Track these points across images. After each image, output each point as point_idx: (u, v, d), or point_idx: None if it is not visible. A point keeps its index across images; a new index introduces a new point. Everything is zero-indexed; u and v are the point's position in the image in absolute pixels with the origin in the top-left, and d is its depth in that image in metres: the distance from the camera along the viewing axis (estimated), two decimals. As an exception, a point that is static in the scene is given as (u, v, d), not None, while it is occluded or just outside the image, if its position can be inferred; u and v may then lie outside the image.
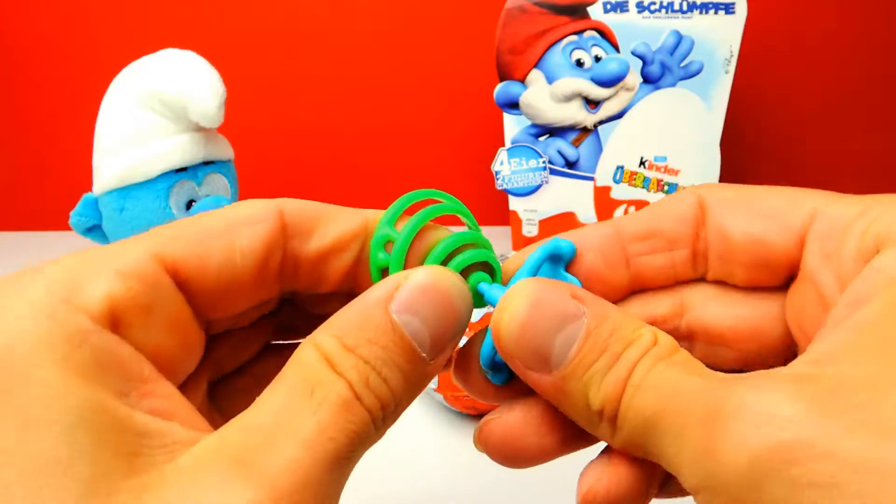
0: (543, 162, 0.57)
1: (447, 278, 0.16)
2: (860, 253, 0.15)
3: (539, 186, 0.58)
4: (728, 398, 0.13)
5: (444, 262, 0.17)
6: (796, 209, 0.17)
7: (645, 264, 0.18)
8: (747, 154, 0.73)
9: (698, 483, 0.13)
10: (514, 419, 0.17)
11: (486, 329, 0.17)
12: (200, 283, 0.16)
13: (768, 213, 0.17)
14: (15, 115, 0.76)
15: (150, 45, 0.46)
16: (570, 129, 0.56)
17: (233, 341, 0.19)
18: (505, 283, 0.18)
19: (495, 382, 0.18)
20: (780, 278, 0.17)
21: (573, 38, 0.54)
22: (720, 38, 0.53)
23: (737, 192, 0.18)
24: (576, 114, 0.55)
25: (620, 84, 0.54)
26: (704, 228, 0.18)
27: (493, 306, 0.17)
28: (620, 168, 0.57)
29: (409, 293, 0.15)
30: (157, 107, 0.43)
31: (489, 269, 0.18)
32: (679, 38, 0.53)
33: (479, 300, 0.18)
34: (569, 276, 0.18)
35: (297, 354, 0.15)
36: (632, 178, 0.57)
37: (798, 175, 0.74)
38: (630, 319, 0.15)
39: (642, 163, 0.56)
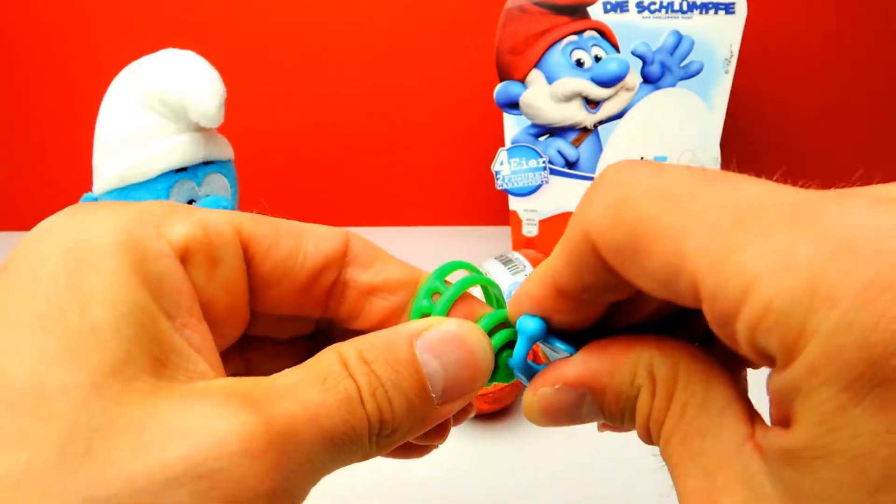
0: (543, 162, 0.57)
1: (475, 335, 0.17)
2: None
3: (539, 186, 0.58)
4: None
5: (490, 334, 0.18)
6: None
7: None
8: (747, 154, 0.73)
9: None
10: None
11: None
12: (262, 264, 0.17)
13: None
14: (15, 115, 0.76)
15: (150, 45, 0.46)
16: (570, 129, 0.56)
17: (266, 348, 0.20)
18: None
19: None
20: None
21: (573, 38, 0.54)
22: (720, 38, 0.53)
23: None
24: (576, 114, 0.55)
25: (620, 84, 0.54)
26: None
27: (520, 374, 0.18)
28: (620, 168, 0.57)
29: (437, 335, 0.16)
30: (157, 107, 0.43)
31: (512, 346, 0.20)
32: (679, 38, 0.53)
33: (508, 374, 0.19)
34: (559, 344, 0.18)
35: (320, 354, 0.16)
36: (632, 178, 0.57)
37: (798, 175, 0.74)
38: (626, 370, 0.16)
39: (642, 163, 0.56)
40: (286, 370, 0.15)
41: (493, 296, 0.21)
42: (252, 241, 0.17)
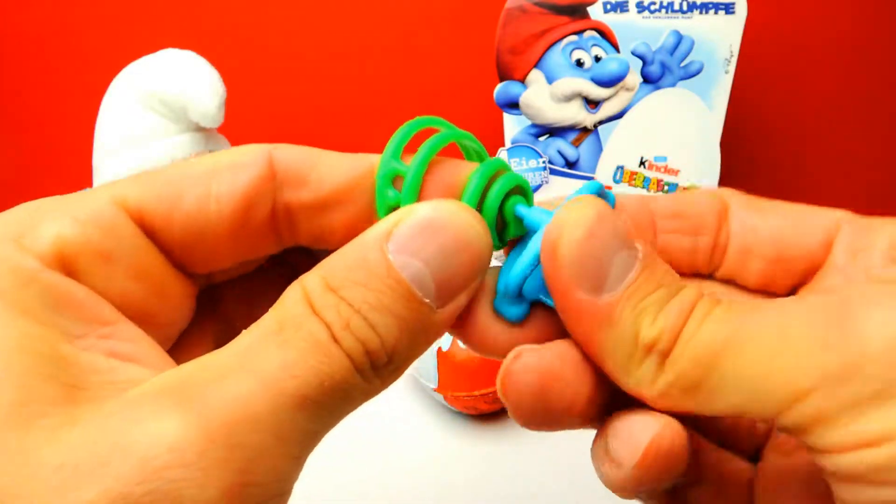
0: (543, 162, 0.57)
1: (456, 213, 0.14)
2: (890, 252, 0.15)
3: (539, 186, 0.58)
4: (851, 298, 0.12)
5: (483, 197, 0.15)
6: (822, 216, 0.17)
7: (671, 243, 0.18)
8: (747, 154, 0.73)
9: (814, 382, 0.12)
10: (550, 353, 0.15)
11: (510, 255, 0.16)
12: (169, 231, 0.15)
13: (794, 215, 0.17)
14: (15, 115, 0.76)
15: (150, 45, 0.46)
16: (570, 129, 0.56)
17: (237, 292, 0.18)
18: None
19: (509, 318, 0.15)
20: (793, 280, 0.17)
21: (573, 38, 0.54)
22: (720, 38, 0.53)
23: (758, 199, 0.18)
24: (576, 114, 0.55)
25: (620, 84, 0.54)
26: (727, 223, 0.18)
27: (533, 230, 0.15)
28: (620, 168, 0.57)
29: (409, 231, 0.13)
30: (158, 107, 0.43)
31: (522, 194, 0.16)
32: (679, 38, 0.53)
33: (518, 226, 0.16)
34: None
35: (282, 296, 0.14)
36: (632, 178, 0.57)
37: (798, 175, 0.74)
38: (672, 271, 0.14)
39: (642, 163, 0.56)
40: (241, 335, 0.13)
41: (473, 151, 0.17)
42: (145, 210, 0.14)
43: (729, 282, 0.18)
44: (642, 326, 0.13)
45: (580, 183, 0.57)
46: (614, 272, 0.14)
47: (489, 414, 0.42)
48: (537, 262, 0.14)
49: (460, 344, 0.41)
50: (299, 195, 0.16)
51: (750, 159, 0.73)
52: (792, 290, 0.17)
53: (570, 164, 0.57)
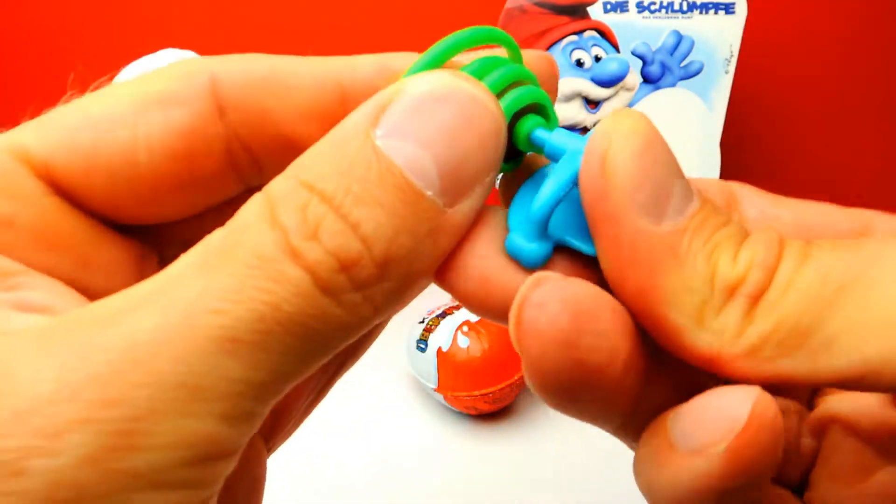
0: (543, 162, 0.57)
1: (460, 84, 0.11)
2: None
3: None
4: None
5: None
6: (845, 210, 0.14)
7: None
8: (747, 154, 0.73)
9: None
10: (581, 285, 0.11)
11: (523, 188, 0.13)
12: (88, 188, 0.12)
13: (817, 209, 0.14)
14: (15, 115, 0.76)
15: (150, 45, 0.46)
16: (570, 129, 0.56)
17: (204, 227, 0.13)
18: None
19: (529, 260, 0.12)
20: None
21: (573, 38, 0.54)
22: (720, 38, 0.53)
23: (770, 193, 0.15)
24: (576, 114, 0.55)
25: (620, 84, 0.54)
26: (738, 209, 0.15)
27: (556, 158, 0.12)
28: (620, 168, 0.57)
29: (401, 110, 0.10)
30: (157, 107, 0.43)
31: (544, 115, 0.13)
32: (679, 38, 0.53)
33: (528, 147, 0.13)
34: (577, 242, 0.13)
35: (243, 206, 0.11)
36: (632, 178, 0.57)
37: (798, 175, 0.74)
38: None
39: (642, 163, 0.56)
40: (178, 260, 0.10)
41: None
42: (53, 165, 0.11)
43: None
44: (720, 262, 0.10)
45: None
46: (675, 198, 0.11)
47: (489, 414, 0.42)
48: (570, 187, 0.11)
49: (452, 297, 0.41)
50: (257, 132, 0.12)
51: (750, 159, 0.73)
52: None
53: (570, 164, 0.57)
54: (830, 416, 0.13)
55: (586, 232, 0.11)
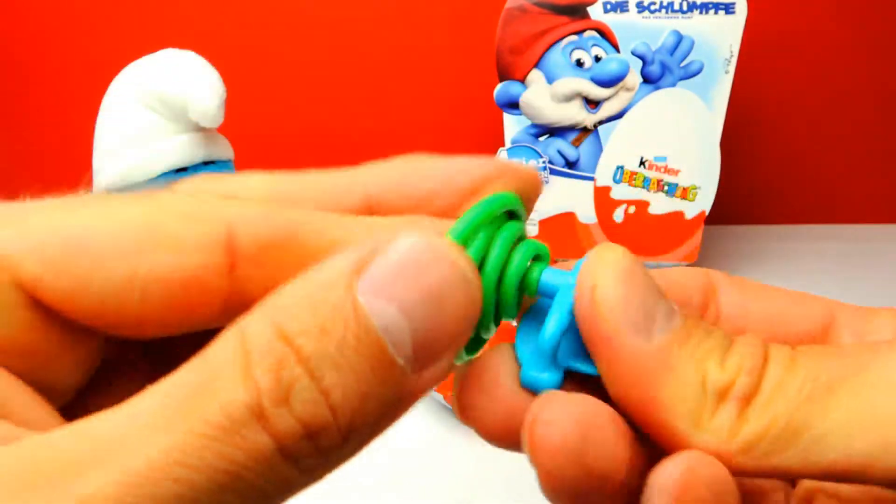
0: (543, 162, 0.57)
1: (448, 250, 0.11)
2: None
3: (539, 186, 0.58)
4: None
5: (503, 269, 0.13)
6: (814, 300, 0.15)
7: None
8: (747, 154, 0.73)
9: None
10: (585, 400, 0.12)
11: (522, 324, 0.14)
12: (71, 306, 0.11)
13: (784, 299, 0.15)
14: (15, 115, 0.76)
15: (150, 45, 0.46)
16: (570, 129, 0.56)
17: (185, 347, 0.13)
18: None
19: (544, 387, 0.13)
20: None
21: (573, 38, 0.54)
22: (720, 38, 0.53)
23: (744, 280, 0.16)
24: (576, 114, 0.55)
25: (620, 84, 0.54)
26: (715, 301, 0.15)
27: (550, 294, 0.13)
28: (620, 168, 0.57)
29: (387, 268, 0.10)
30: (157, 107, 0.43)
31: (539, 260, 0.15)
32: (679, 38, 0.53)
33: (530, 289, 0.14)
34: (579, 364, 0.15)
35: (217, 340, 0.10)
36: (632, 178, 0.57)
37: (798, 175, 0.74)
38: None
39: (642, 163, 0.56)
40: (147, 390, 0.10)
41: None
42: (41, 285, 0.11)
43: None
44: (709, 369, 0.11)
45: (580, 182, 0.57)
46: (660, 315, 0.12)
47: (489, 414, 0.42)
48: (569, 319, 0.13)
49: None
50: (266, 287, 0.11)
51: (750, 159, 0.73)
52: None
53: (570, 164, 0.57)
54: (818, 486, 0.14)
55: (587, 355, 0.13)
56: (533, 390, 0.13)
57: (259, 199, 0.13)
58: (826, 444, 0.10)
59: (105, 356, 0.13)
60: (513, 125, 0.57)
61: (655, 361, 0.11)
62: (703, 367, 0.11)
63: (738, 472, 0.11)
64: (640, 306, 0.12)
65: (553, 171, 0.57)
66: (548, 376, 0.13)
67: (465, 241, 0.12)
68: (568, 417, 0.11)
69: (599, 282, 0.12)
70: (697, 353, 0.12)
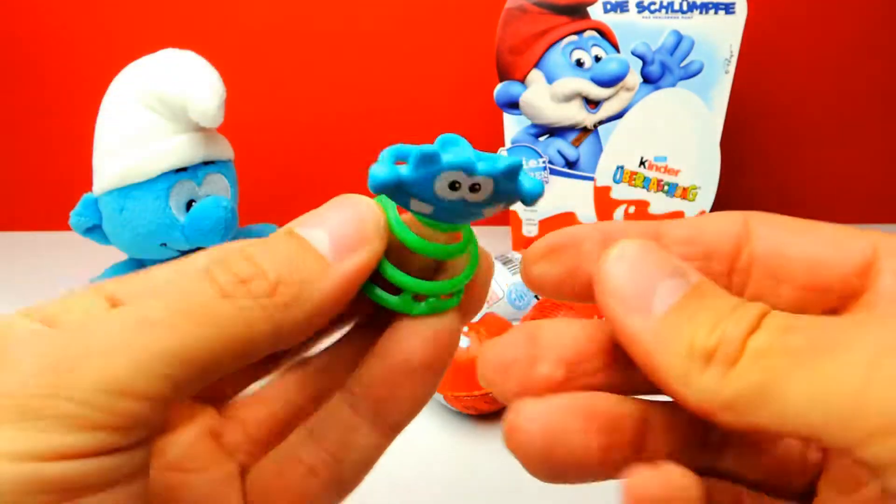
0: (543, 162, 0.57)
1: (360, 200, 0.16)
2: None
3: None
4: None
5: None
6: (856, 238, 0.16)
7: None
8: (747, 154, 0.73)
9: None
10: (555, 405, 0.15)
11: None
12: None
13: (826, 236, 0.16)
14: (15, 115, 0.76)
15: (150, 45, 0.46)
16: (570, 129, 0.56)
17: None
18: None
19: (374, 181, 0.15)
20: (828, 305, 0.16)
21: (573, 38, 0.54)
22: (720, 38, 0.53)
23: (786, 218, 0.17)
24: (576, 114, 0.55)
25: (620, 84, 0.54)
26: (749, 246, 0.16)
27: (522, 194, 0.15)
28: (620, 168, 0.57)
29: (309, 214, 0.15)
30: (157, 107, 0.43)
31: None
32: (679, 38, 0.53)
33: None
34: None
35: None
36: (632, 177, 0.57)
37: (798, 175, 0.74)
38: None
39: (642, 163, 0.56)
40: None
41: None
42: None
43: None
44: (697, 336, 0.13)
45: (580, 182, 0.57)
46: (660, 297, 0.14)
47: (489, 414, 0.42)
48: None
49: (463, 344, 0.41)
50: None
51: (750, 159, 0.73)
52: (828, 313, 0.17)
53: (570, 164, 0.57)
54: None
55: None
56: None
57: None
58: (790, 411, 0.12)
59: None
60: (513, 125, 0.57)
61: (651, 335, 0.14)
62: (692, 332, 0.13)
63: (726, 426, 0.13)
64: (639, 290, 0.14)
65: (553, 171, 0.57)
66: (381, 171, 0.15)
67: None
68: (535, 425, 0.14)
69: (604, 270, 0.14)
70: (689, 322, 0.13)
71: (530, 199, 0.15)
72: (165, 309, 0.13)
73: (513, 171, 0.14)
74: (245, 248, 0.14)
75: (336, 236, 0.15)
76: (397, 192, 0.15)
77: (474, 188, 0.15)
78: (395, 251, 0.16)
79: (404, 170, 0.14)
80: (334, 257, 0.15)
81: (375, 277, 0.16)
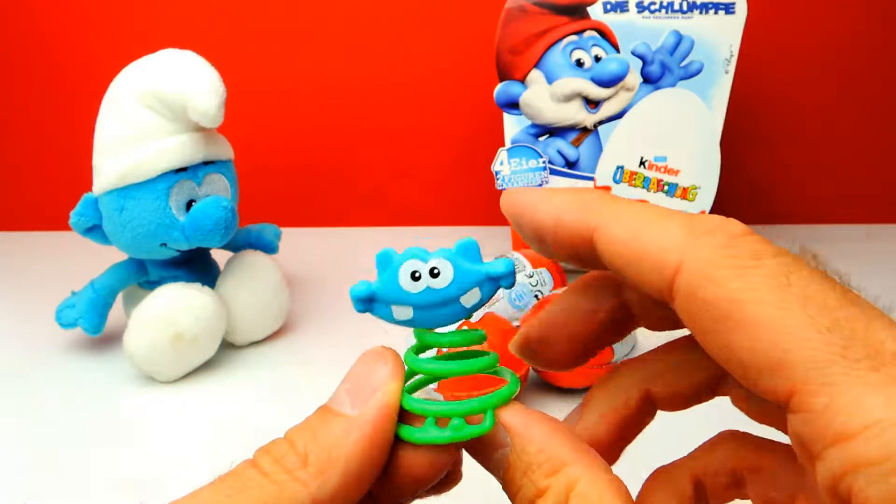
0: (543, 162, 0.57)
1: (374, 351, 0.17)
2: None
3: (539, 186, 0.58)
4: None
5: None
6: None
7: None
8: (747, 154, 0.73)
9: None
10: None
11: None
12: None
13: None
14: (15, 115, 0.76)
15: (150, 45, 0.46)
16: (570, 129, 0.56)
17: None
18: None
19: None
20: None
21: (573, 38, 0.54)
22: (720, 38, 0.53)
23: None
24: (576, 114, 0.55)
25: (620, 84, 0.54)
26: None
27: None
28: (620, 168, 0.57)
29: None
30: (157, 107, 0.43)
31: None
32: (679, 38, 0.53)
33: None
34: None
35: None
36: (632, 178, 0.57)
37: (798, 175, 0.74)
38: (548, 461, 0.16)
39: (642, 163, 0.56)
40: None
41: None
42: None
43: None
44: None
45: (580, 183, 0.57)
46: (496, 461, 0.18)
47: (489, 414, 0.42)
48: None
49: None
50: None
51: (750, 159, 0.73)
52: None
53: (570, 164, 0.57)
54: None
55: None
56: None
57: None
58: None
59: None
60: (513, 125, 0.57)
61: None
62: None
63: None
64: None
65: (553, 171, 0.57)
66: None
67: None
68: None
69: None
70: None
71: (502, 277, 0.16)
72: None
73: (467, 248, 0.15)
74: (287, 432, 0.16)
75: (353, 390, 0.16)
76: (376, 303, 0.16)
77: (433, 273, 0.15)
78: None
79: (374, 282, 0.16)
80: (353, 408, 0.16)
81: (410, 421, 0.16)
